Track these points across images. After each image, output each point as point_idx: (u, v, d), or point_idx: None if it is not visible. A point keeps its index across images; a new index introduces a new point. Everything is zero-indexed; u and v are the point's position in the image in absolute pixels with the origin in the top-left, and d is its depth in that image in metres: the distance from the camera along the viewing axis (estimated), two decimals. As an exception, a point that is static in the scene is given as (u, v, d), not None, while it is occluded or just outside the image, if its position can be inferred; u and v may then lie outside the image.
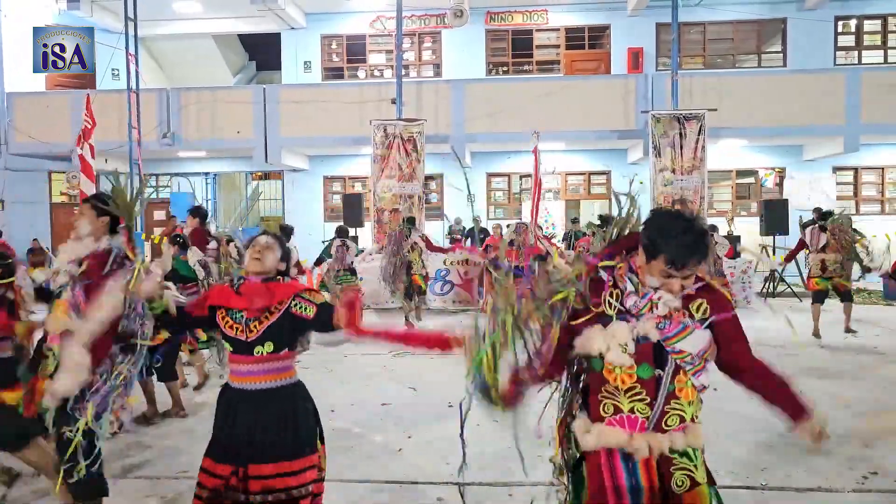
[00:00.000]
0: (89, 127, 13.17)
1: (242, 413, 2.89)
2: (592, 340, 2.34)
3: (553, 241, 12.95)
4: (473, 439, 5.02)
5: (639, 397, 2.33)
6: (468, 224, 15.85)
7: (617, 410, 2.35)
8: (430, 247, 10.78)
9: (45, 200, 16.93)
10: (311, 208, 17.06)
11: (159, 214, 17.46)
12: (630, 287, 2.37)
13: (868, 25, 16.53)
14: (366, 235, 14.40)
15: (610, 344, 2.31)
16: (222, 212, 18.38)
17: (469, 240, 15.01)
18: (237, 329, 2.90)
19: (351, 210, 14.15)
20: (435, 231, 16.10)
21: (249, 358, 2.88)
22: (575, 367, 2.56)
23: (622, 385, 2.33)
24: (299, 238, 16.73)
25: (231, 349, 2.93)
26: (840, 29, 16.50)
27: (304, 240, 16.69)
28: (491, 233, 14.46)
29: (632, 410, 2.33)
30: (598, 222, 13.34)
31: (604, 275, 2.40)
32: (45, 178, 16.86)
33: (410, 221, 11.32)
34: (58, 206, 16.81)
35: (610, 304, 2.36)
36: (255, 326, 2.88)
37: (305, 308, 2.91)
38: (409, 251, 10.31)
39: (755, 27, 16.63)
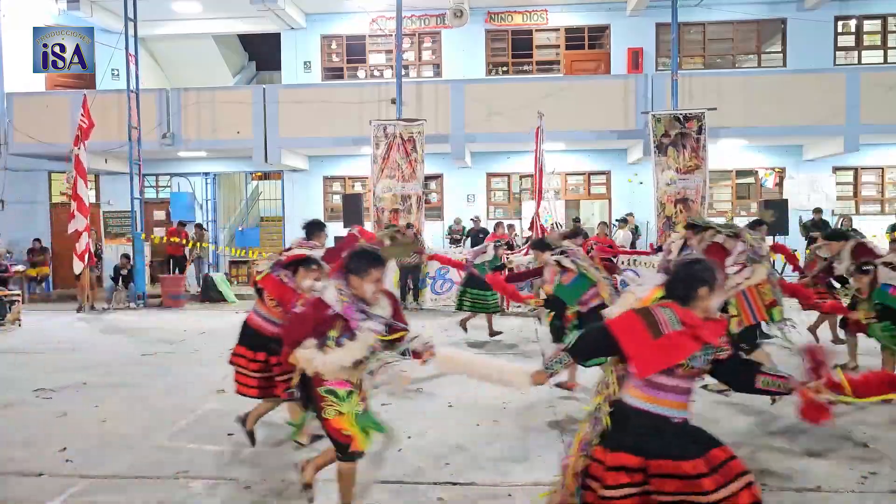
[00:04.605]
0: (85, 127, 13.19)
1: None
2: None
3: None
4: (473, 440, 5.04)
5: None
6: (468, 224, 15.85)
7: None
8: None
9: (45, 200, 16.93)
10: (311, 208, 17.04)
11: (159, 214, 17.46)
12: None
13: (868, 25, 16.52)
14: (366, 235, 14.40)
15: None
16: (222, 212, 18.37)
17: (469, 240, 15.02)
18: None
19: (351, 210, 14.15)
20: (434, 231, 16.13)
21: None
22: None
23: None
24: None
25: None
26: (840, 29, 16.49)
27: (304, 240, 16.72)
28: (491, 231, 14.48)
29: None
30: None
31: None
32: (45, 178, 16.87)
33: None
34: (58, 206, 16.81)
35: None
36: None
37: None
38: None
39: (755, 27, 16.62)
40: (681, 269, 2.87)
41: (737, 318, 5.88)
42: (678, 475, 2.64)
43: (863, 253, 5.98)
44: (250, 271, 17.27)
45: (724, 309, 5.97)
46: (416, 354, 3.63)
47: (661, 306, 2.78)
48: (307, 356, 3.37)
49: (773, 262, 7.85)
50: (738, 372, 2.85)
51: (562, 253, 5.99)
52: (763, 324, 6.02)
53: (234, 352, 4.94)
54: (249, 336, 4.87)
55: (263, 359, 4.77)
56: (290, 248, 5.27)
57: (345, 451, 3.47)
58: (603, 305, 5.50)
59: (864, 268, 5.65)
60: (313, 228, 6.68)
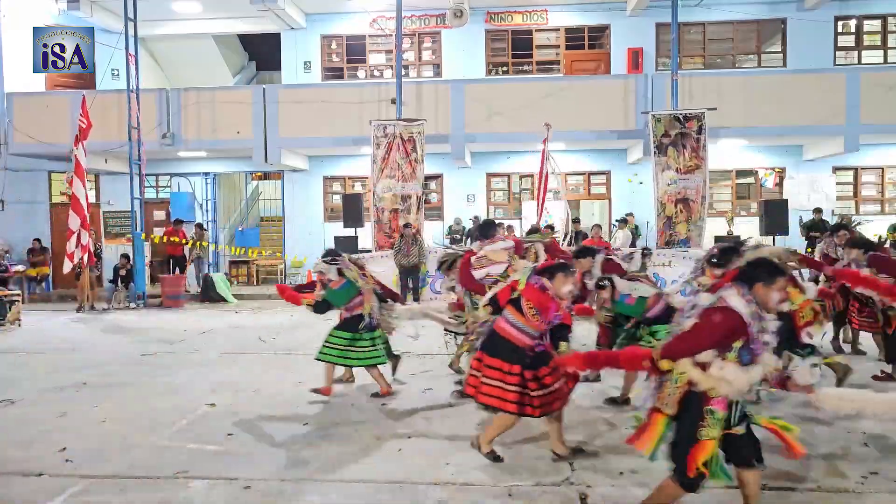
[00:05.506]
0: (84, 127, 13.20)
1: None
2: None
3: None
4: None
5: None
6: (468, 224, 15.85)
7: None
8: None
9: (45, 200, 16.93)
10: (311, 208, 17.05)
11: (159, 214, 17.46)
12: None
13: (868, 25, 16.52)
14: (366, 235, 14.40)
15: None
16: (222, 212, 18.36)
17: (469, 240, 15.02)
18: None
19: (351, 210, 14.14)
20: (434, 231, 16.12)
21: None
22: None
23: None
24: (299, 238, 16.82)
25: None
26: (840, 29, 16.49)
27: (304, 240, 16.74)
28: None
29: None
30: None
31: None
32: (45, 178, 16.86)
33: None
34: (58, 206, 16.80)
35: None
36: None
37: None
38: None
39: (755, 27, 16.62)
40: None
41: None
42: None
43: (611, 268, 6.20)
44: (248, 271, 17.31)
45: None
46: (792, 386, 3.68)
47: None
48: (705, 370, 3.26)
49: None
50: None
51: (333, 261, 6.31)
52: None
53: (484, 362, 4.63)
54: (502, 347, 4.56)
55: (519, 371, 4.48)
56: (476, 253, 6.07)
57: (684, 476, 3.32)
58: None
59: (600, 284, 5.90)
60: (489, 227, 6.71)
